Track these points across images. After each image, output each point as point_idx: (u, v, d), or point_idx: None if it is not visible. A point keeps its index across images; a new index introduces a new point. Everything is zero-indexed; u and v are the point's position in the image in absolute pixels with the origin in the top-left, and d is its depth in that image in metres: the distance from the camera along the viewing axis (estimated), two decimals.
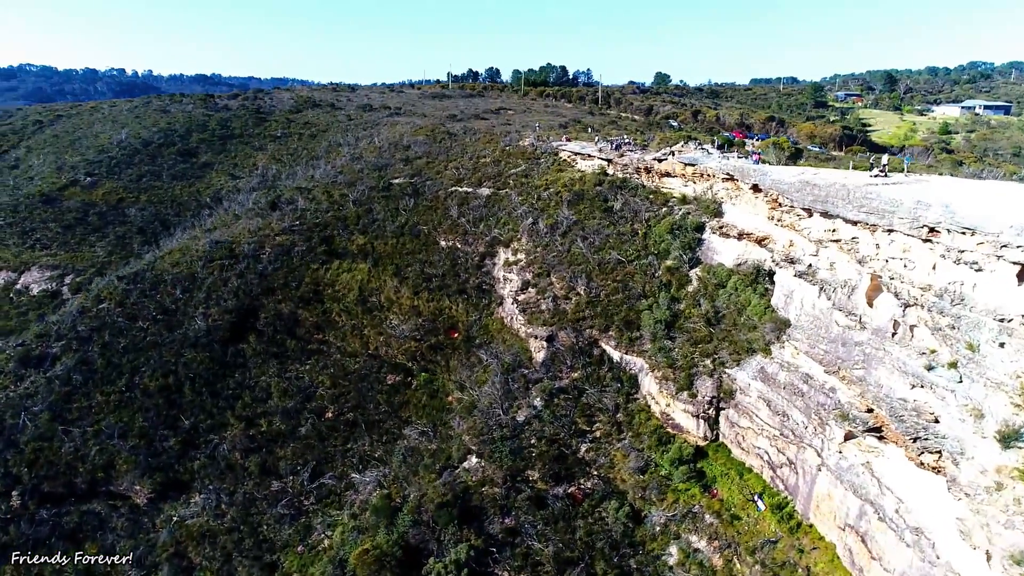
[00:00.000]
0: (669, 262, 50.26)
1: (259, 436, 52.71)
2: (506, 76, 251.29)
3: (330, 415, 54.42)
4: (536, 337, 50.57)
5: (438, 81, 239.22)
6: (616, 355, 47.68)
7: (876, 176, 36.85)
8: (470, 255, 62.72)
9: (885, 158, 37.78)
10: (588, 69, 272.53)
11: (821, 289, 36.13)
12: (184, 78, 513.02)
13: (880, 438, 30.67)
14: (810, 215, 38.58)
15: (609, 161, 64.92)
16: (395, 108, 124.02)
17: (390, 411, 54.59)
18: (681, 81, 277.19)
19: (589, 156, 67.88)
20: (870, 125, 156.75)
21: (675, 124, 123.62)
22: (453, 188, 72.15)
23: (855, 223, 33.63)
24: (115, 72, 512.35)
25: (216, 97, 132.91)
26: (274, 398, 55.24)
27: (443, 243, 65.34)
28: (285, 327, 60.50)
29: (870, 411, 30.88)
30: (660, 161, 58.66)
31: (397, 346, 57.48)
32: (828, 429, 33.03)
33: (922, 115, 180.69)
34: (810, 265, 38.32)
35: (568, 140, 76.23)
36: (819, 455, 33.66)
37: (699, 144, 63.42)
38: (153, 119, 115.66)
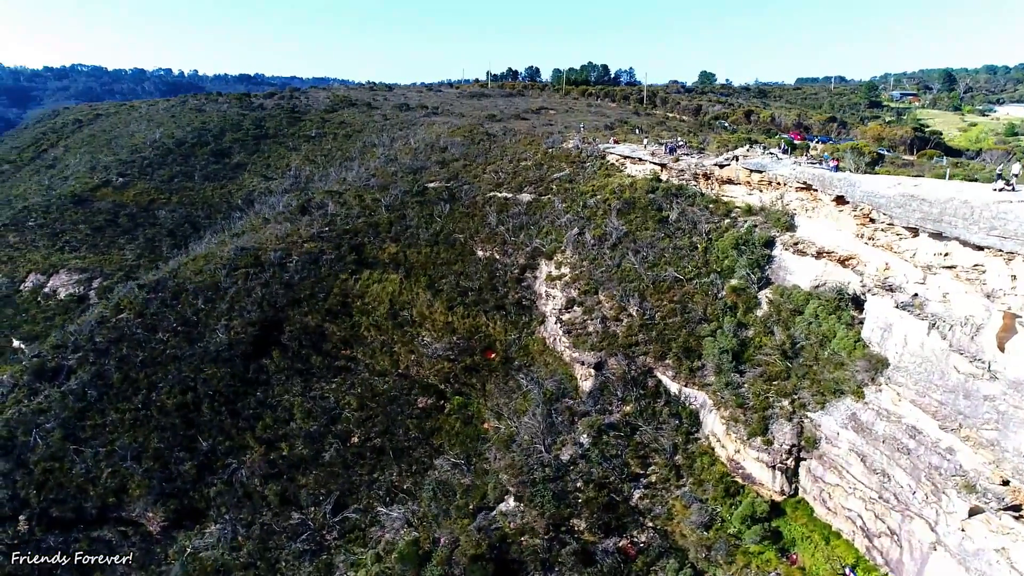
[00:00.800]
0: (734, 282, 44.53)
1: (280, 461, 48.84)
2: (546, 75, 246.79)
3: (356, 440, 50.26)
4: (583, 363, 45.43)
5: (477, 80, 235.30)
6: (674, 387, 42.21)
7: (1003, 190, 30.67)
8: (509, 267, 57.91)
9: (1017, 167, 31.44)
10: (631, 68, 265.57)
11: (932, 325, 30.15)
12: (228, 78, 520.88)
13: (1019, 518, 24.74)
14: (915, 235, 32.64)
15: (663, 166, 59.32)
16: (432, 108, 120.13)
17: (420, 438, 50.13)
18: (726, 80, 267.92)
19: (640, 160, 62.38)
20: (928, 126, 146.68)
21: (726, 125, 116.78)
22: (492, 193, 67.45)
23: (980, 248, 27.69)
24: (162, 72, 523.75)
25: (252, 96, 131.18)
26: (297, 419, 51.34)
27: (480, 253, 60.67)
28: (311, 342, 56.64)
29: (1005, 484, 24.96)
30: (722, 167, 52.87)
31: (429, 366, 53.00)
32: (946, 500, 27.13)
33: (984, 115, 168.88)
34: (915, 295, 32.34)
35: (616, 142, 70.80)
36: (932, 529, 27.77)
37: (765, 148, 57.31)
38: (188, 118, 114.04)
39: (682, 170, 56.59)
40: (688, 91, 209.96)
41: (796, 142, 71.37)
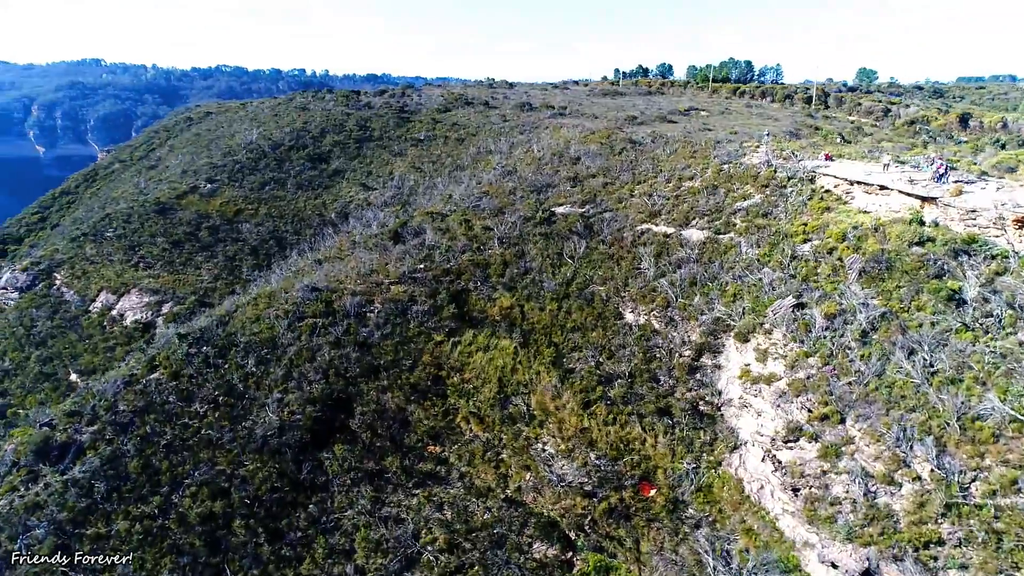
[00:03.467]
0: None
1: None
2: (678, 73, 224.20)
3: None
4: (831, 564, 25.66)
5: (605, 78, 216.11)
6: None
7: None
8: (676, 345, 38.92)
9: None
10: (777, 64, 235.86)
11: None
12: (356, 77, 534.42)
13: None
14: None
15: (925, 199, 37.94)
16: (559, 107, 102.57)
17: None
18: (892, 79, 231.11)
19: (881, 189, 41.14)
20: None
21: (952, 135, 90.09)
22: (645, 226, 48.70)
23: None
24: (296, 72, 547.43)
25: (361, 94, 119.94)
26: (359, 554, 35.42)
27: (630, 317, 42.15)
28: (388, 431, 40.73)
29: None
30: None
31: (553, 496, 35.23)
32: None
33: None
34: None
35: (828, 158, 49.62)
36: None
37: None
38: (290, 118, 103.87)
39: (973, 211, 34.99)
40: (851, 90, 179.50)
41: None
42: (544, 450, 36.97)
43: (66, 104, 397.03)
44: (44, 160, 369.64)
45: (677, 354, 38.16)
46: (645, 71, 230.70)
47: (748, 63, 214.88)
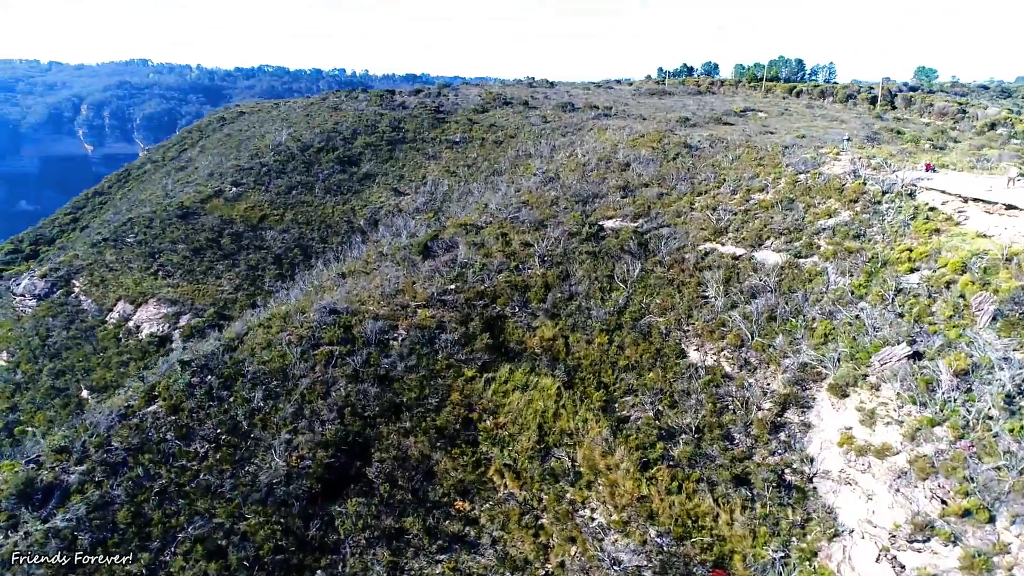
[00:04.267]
0: None
1: None
2: (723, 72, 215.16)
3: None
4: None
5: (649, 77, 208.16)
6: None
7: None
8: (753, 396, 32.40)
9: None
10: (830, 63, 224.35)
11: None
12: (395, 77, 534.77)
13: None
14: None
15: None
16: (604, 108, 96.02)
17: None
18: (954, 78, 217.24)
19: (1009, 209, 33.92)
20: None
21: (1015, 136, 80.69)
22: (708, 245, 42.20)
23: None
24: (337, 72, 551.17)
25: (396, 93, 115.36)
26: None
27: (695, 356, 35.77)
28: (410, 483, 35.23)
29: None
30: None
31: None
32: None
33: None
34: None
35: (929, 168, 42.32)
36: None
37: None
38: (322, 118, 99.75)
39: None
40: (912, 90, 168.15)
41: None
42: (593, 519, 30.93)
43: (114, 103, 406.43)
44: (92, 158, 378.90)
45: (755, 406, 31.66)
46: (690, 70, 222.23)
47: (799, 61, 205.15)
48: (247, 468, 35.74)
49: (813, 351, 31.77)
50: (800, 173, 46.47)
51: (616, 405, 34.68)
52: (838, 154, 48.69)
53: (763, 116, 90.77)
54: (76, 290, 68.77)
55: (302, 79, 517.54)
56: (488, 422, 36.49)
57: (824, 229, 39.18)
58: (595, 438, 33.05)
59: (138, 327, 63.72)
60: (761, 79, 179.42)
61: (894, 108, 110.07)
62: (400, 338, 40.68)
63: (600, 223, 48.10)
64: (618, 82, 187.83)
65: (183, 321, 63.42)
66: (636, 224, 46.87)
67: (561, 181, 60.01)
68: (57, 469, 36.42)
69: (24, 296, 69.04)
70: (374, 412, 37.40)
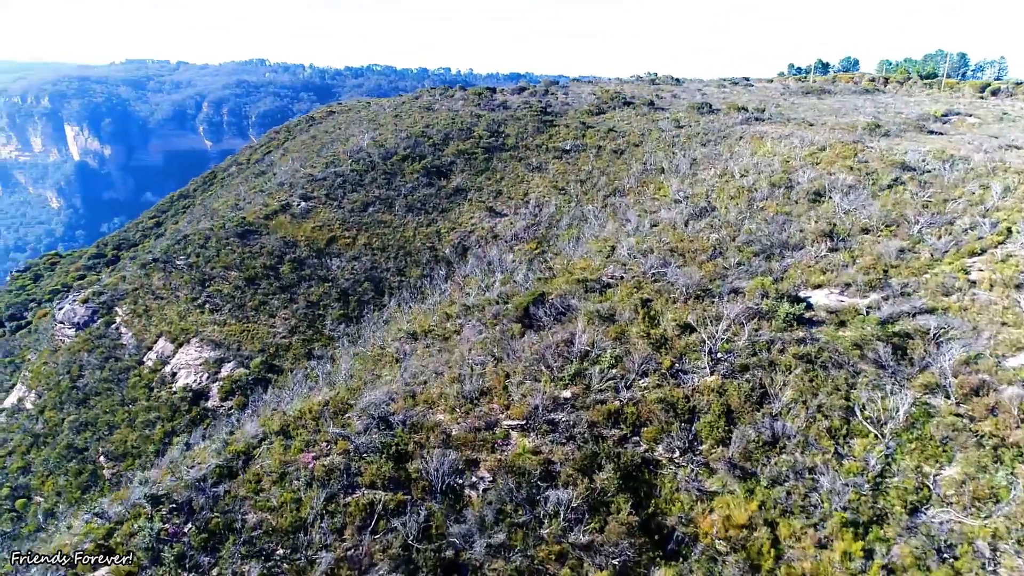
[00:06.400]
0: None
1: None
2: (864, 67, 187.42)
3: None
4: None
5: (782, 74, 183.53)
6: None
7: None
8: None
9: None
10: (1001, 57, 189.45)
11: None
12: (498, 76, 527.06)
13: None
14: None
15: None
16: (753, 110, 76.42)
17: None
18: None
19: None
20: None
21: None
22: None
23: None
24: (442, 71, 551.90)
25: (496, 91, 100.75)
26: None
27: None
28: None
29: None
30: None
31: None
32: None
33: None
34: None
35: None
36: None
37: None
38: (411, 120, 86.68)
39: None
40: None
41: None
42: None
43: (232, 101, 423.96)
44: (211, 153, 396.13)
45: None
46: (825, 66, 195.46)
47: (962, 55, 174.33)
48: None
49: None
50: None
51: None
52: None
53: (975, 122, 68.23)
54: (118, 320, 58.82)
55: (408, 78, 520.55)
56: None
57: None
58: None
59: (174, 374, 52.48)
60: (927, 76, 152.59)
61: None
62: (481, 487, 25.10)
63: (803, 295, 30.35)
64: (746, 81, 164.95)
65: (225, 371, 51.53)
66: (867, 301, 28.78)
67: (718, 214, 42.50)
68: None
69: (64, 324, 59.98)
70: None
